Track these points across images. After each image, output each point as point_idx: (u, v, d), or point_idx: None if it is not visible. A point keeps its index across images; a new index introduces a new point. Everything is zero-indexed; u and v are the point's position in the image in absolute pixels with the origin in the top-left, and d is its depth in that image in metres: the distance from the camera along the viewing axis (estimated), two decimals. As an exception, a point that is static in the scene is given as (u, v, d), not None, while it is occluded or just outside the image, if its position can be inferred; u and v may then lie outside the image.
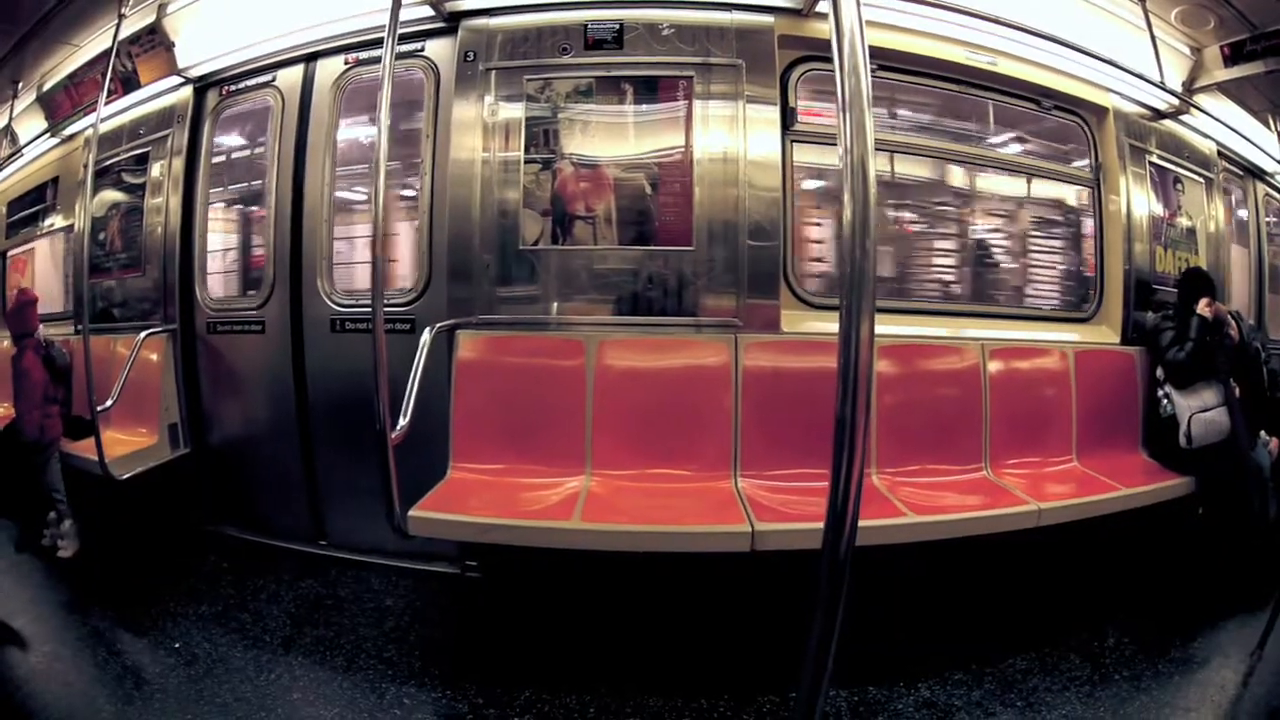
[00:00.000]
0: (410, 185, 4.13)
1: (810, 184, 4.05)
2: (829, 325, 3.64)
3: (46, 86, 5.99)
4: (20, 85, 6.15)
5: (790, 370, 3.63)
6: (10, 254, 6.69)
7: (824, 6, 3.64)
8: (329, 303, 4.25)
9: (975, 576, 3.39)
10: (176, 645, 3.48)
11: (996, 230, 4.48)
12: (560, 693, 2.96)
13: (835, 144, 3.70)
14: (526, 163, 3.75)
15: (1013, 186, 4.49)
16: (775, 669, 2.99)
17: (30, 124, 6.42)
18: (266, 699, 3.03)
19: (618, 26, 3.78)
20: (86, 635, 3.67)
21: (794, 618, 2.90)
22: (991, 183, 4.45)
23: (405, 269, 4.09)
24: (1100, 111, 4.53)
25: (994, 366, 3.90)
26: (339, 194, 4.30)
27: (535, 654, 3.25)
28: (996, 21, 4.04)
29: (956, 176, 4.38)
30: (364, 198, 4.36)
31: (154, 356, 4.71)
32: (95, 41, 5.33)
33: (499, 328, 3.71)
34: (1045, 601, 3.58)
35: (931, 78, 4.19)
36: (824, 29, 3.64)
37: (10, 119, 6.51)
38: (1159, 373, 4.09)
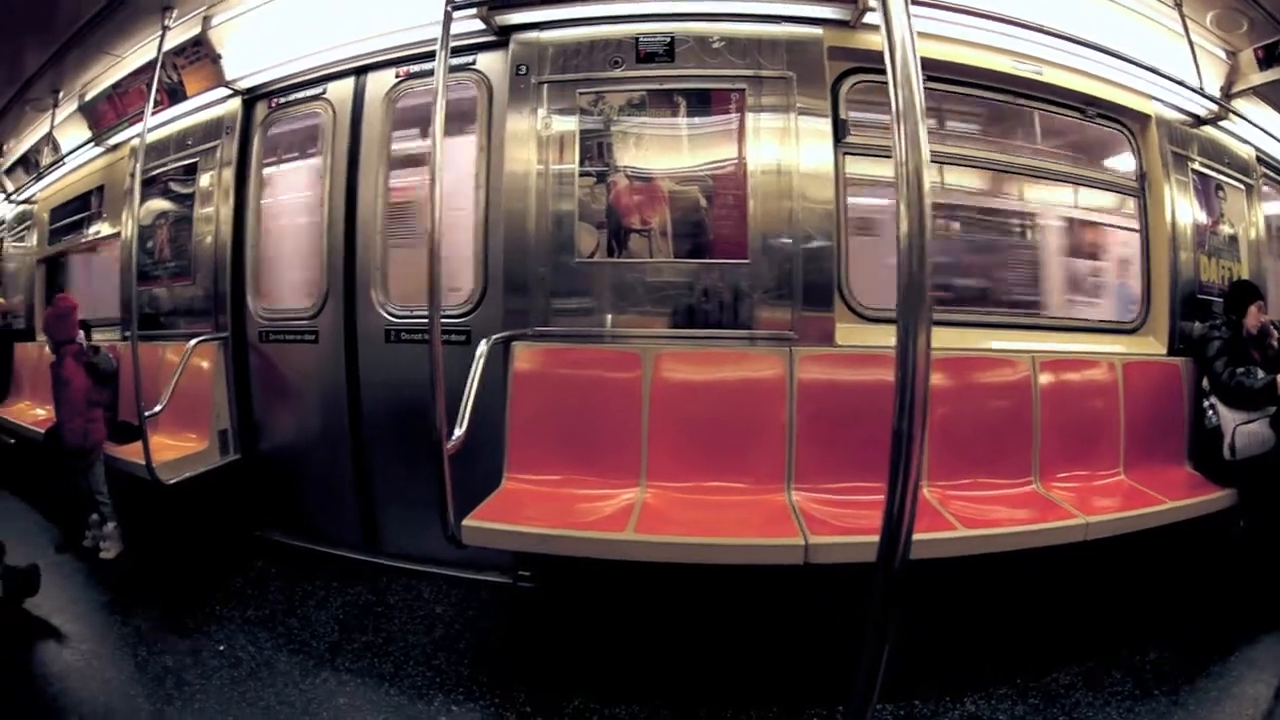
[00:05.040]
0: (466, 198, 4.14)
1: (863, 196, 4.03)
2: (883, 338, 3.65)
3: (89, 96, 6.06)
4: (61, 94, 6.23)
5: (845, 383, 3.63)
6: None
7: (872, 18, 3.65)
8: (383, 313, 4.29)
9: (1019, 588, 3.38)
10: (221, 648, 3.51)
11: (1043, 240, 4.46)
12: (609, 703, 2.96)
13: (887, 156, 3.74)
14: (581, 175, 3.77)
15: (1059, 196, 4.47)
16: (824, 681, 2.98)
17: (72, 133, 6.49)
18: (311, 703, 3.05)
19: (669, 40, 3.79)
20: (128, 635, 3.70)
21: (844, 630, 2.92)
22: (1037, 192, 4.43)
23: (461, 281, 4.11)
24: (1143, 119, 4.49)
25: (1044, 379, 3.87)
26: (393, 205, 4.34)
27: (585, 664, 3.26)
28: (1040, 30, 4.01)
29: (1003, 186, 4.37)
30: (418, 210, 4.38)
31: (205, 364, 4.77)
32: (138, 53, 5.37)
33: (554, 339, 3.73)
34: (1088, 614, 3.57)
35: (977, 87, 4.17)
36: (872, 40, 3.69)
37: (52, 127, 6.59)
38: (1204, 383, 4.07)
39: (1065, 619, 3.52)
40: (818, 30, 3.80)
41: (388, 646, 3.49)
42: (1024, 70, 4.14)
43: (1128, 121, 4.52)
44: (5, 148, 7.59)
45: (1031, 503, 3.58)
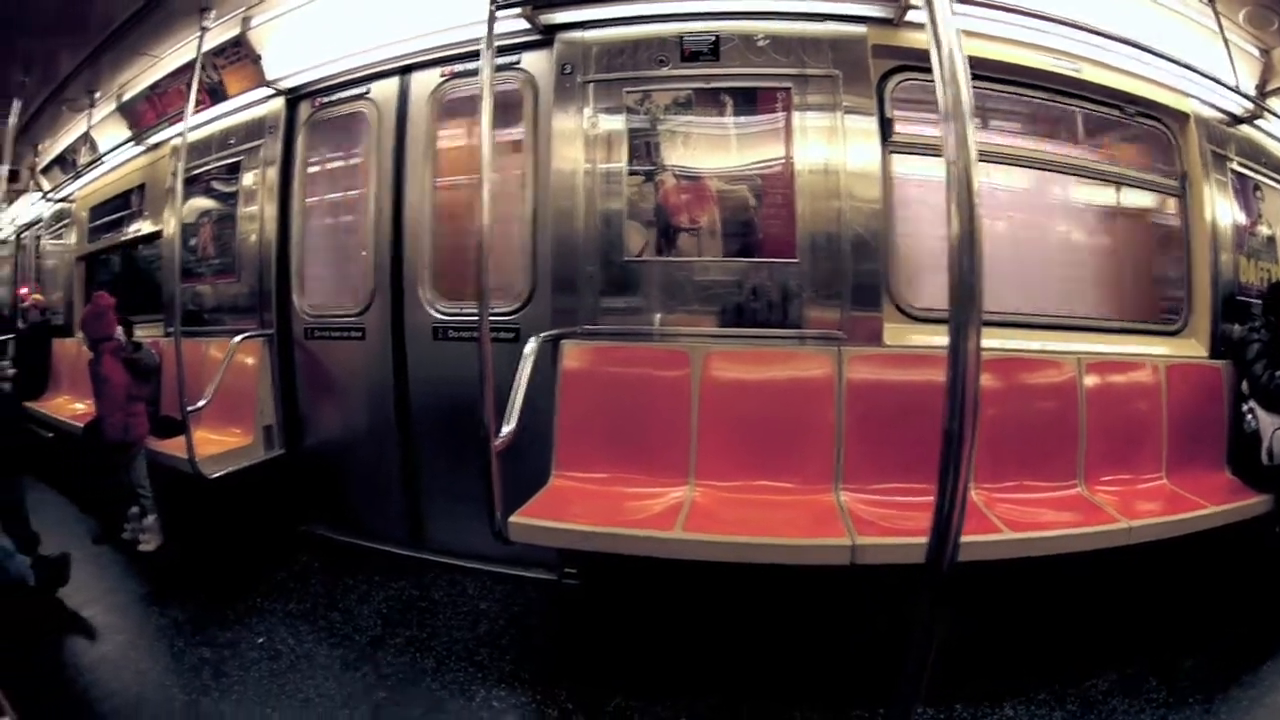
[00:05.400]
0: (513, 196, 4.16)
1: (909, 195, 4.01)
2: (931, 338, 3.64)
3: (126, 97, 6.12)
4: (98, 95, 6.29)
5: (893, 383, 3.62)
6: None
7: (914, 15, 3.65)
8: (431, 311, 4.32)
9: (1058, 592, 3.35)
10: (260, 640, 3.54)
11: (1084, 239, 4.42)
12: (651, 701, 2.96)
13: (934, 155, 3.72)
14: (630, 174, 3.79)
15: (1099, 195, 4.42)
16: (866, 682, 2.95)
17: (110, 132, 6.56)
18: (351, 697, 3.08)
19: (714, 38, 3.78)
20: (165, 627, 3.74)
21: (886, 631, 2.93)
22: (1078, 191, 4.39)
23: (509, 279, 4.13)
24: (1181, 118, 4.44)
25: (1090, 381, 3.84)
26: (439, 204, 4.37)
27: (628, 662, 3.26)
28: (1078, 26, 3.97)
29: (1044, 184, 4.34)
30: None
31: (250, 360, 4.82)
32: (176, 54, 5.44)
33: (603, 338, 3.75)
34: (1125, 619, 3.53)
35: (1016, 85, 4.13)
36: (916, 39, 3.69)
37: (89, 127, 6.67)
38: (1244, 387, 4.04)
39: (1104, 624, 3.49)
40: (861, 29, 3.78)
41: (430, 641, 3.51)
42: (1063, 67, 4.10)
43: (1167, 120, 4.47)
44: (41, 147, 7.69)
45: (1076, 506, 3.55)
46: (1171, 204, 4.53)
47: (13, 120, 5.18)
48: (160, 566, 4.49)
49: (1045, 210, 4.32)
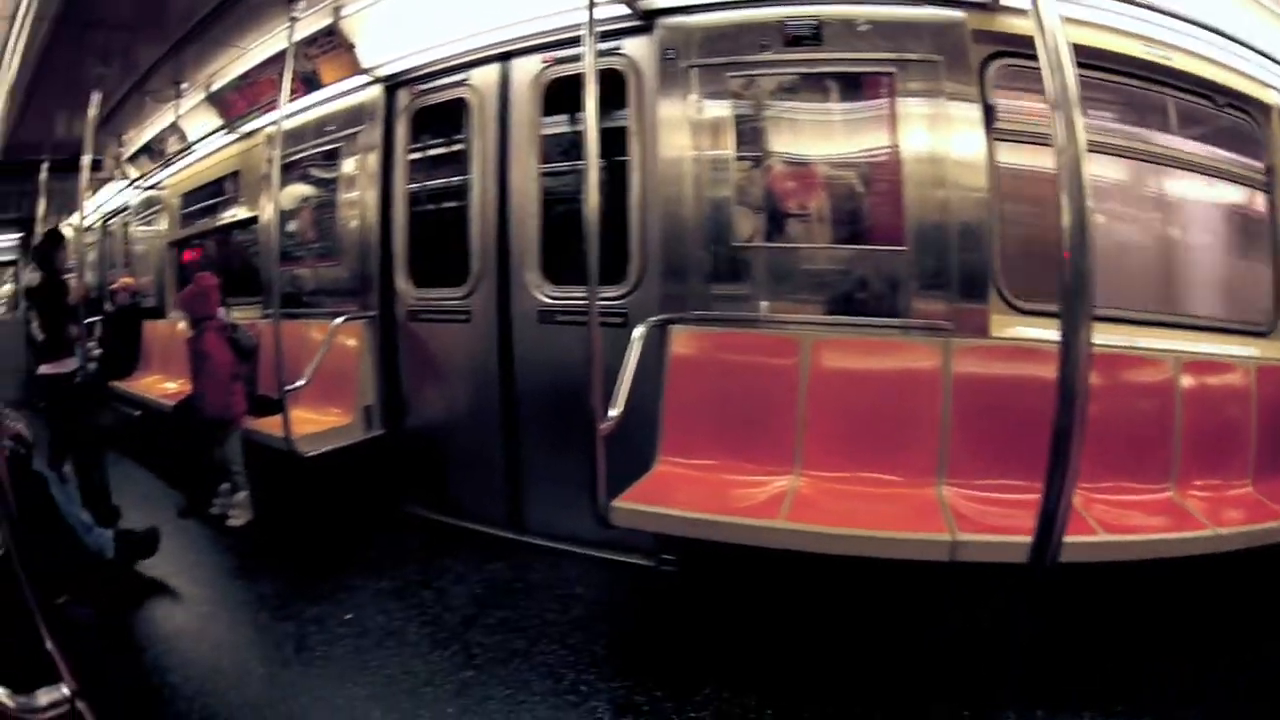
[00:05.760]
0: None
1: (1013, 184, 3.91)
2: (1036, 331, 3.55)
3: (215, 87, 6.27)
4: (184, 86, 6.46)
5: (999, 376, 3.54)
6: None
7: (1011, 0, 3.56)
8: (538, 295, 4.35)
9: (1140, 598, 3.23)
10: (348, 616, 3.58)
11: (1168, 233, 4.24)
12: (741, 691, 2.91)
13: (1036, 143, 3.62)
14: (737, 160, 3.76)
15: (1185, 187, 4.23)
16: (949, 680, 2.91)
17: (199, 121, 6.72)
18: (436, 674, 3.08)
19: (816, 23, 3.72)
20: (250, 600, 3.83)
21: (972, 629, 2.87)
22: (1162, 183, 4.21)
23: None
24: (1266, 110, 4.24)
25: (1185, 381, 3.69)
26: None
27: (720, 651, 3.22)
28: (1166, 13, 3.86)
29: (1129, 175, 4.16)
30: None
31: (351, 342, 4.92)
32: (264, 44, 5.54)
33: (711, 324, 3.74)
34: (1195, 627, 3.38)
35: (1105, 71, 3.96)
36: (1013, 23, 3.59)
37: (177, 117, 6.84)
38: None
39: (1176, 632, 3.34)
40: (960, 13, 3.69)
41: (522, 623, 3.51)
42: (1154, 54, 3.96)
43: (1253, 112, 4.27)
44: (125, 138, 7.92)
45: (1166, 510, 3.43)
46: (1260, 199, 4.34)
47: (92, 112, 5.30)
48: (249, 541, 4.60)
49: (1131, 201, 4.18)
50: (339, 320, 4.82)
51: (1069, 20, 3.69)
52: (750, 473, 3.50)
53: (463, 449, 4.74)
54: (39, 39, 4.79)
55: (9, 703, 1.32)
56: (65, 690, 1.33)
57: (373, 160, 4.93)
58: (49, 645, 1.35)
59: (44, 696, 1.33)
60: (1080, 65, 3.83)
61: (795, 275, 3.73)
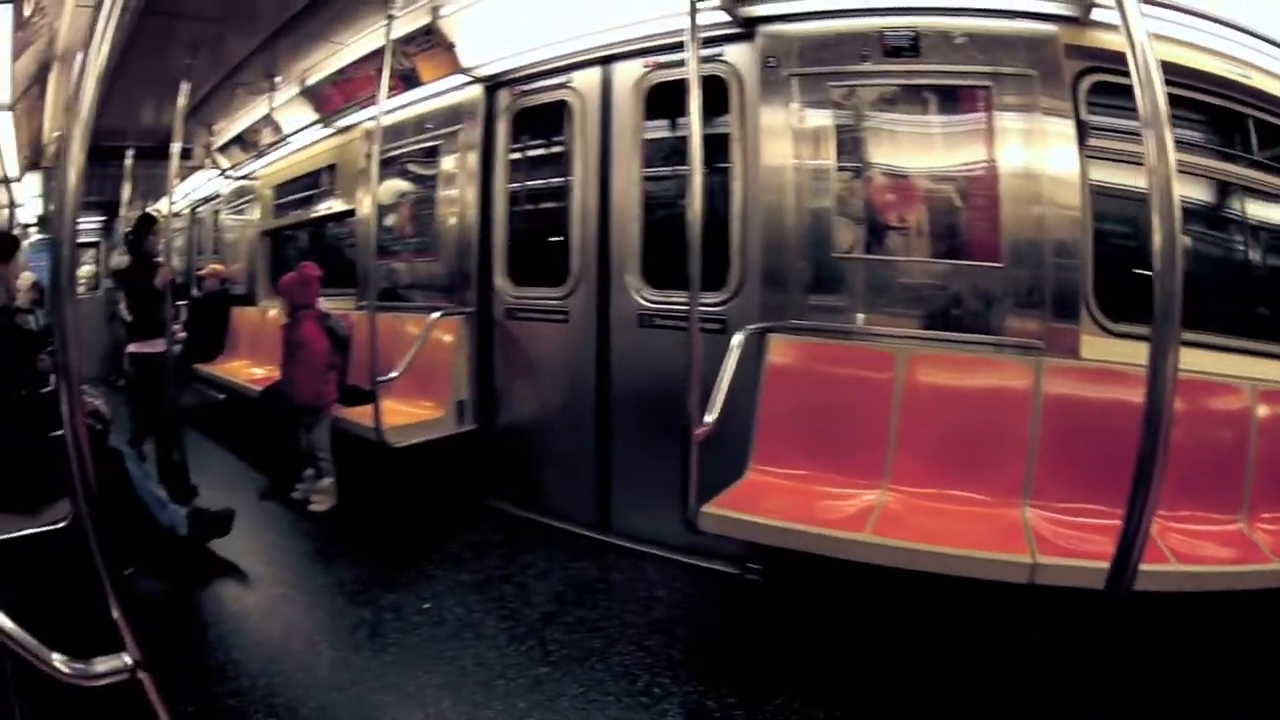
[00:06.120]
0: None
1: (1103, 202, 3.80)
2: (1123, 353, 3.45)
3: (310, 81, 6.43)
4: (278, 79, 6.61)
5: (1087, 399, 3.46)
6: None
7: (1099, 14, 3.47)
8: (638, 298, 4.39)
9: (1194, 628, 3.12)
10: (426, 605, 3.63)
11: (1240, 255, 4.07)
12: (813, 704, 2.89)
13: (1128, 163, 3.52)
14: (838, 170, 3.76)
15: (1265, 210, 4.05)
16: (1022, 702, 2.87)
17: (292, 114, 6.91)
18: (511, 668, 3.11)
19: (913, 34, 3.70)
20: (327, 585, 3.90)
21: (1038, 652, 2.80)
22: (1246, 205, 4.05)
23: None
24: None
25: (1261, 411, 3.53)
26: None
27: (797, 662, 3.19)
28: (1242, 30, 3.71)
29: (1213, 196, 4.03)
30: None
31: (447, 337, 5.01)
32: (361, 41, 5.64)
33: (808, 334, 3.74)
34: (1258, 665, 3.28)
35: (1186, 88, 3.80)
36: (1103, 39, 3.50)
37: (271, 109, 7.04)
38: None
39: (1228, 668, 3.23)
40: (1052, 27, 3.61)
41: (602, 623, 3.52)
42: (1234, 73, 3.83)
43: None
44: (216, 128, 8.17)
45: (1235, 542, 3.30)
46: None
47: (182, 101, 5.48)
48: (330, 528, 4.69)
49: (1206, 222, 4.04)
50: (436, 315, 4.91)
51: (1157, 37, 3.65)
52: (839, 485, 3.48)
53: (554, 447, 4.80)
54: (125, 27, 4.97)
55: (65, 669, 1.38)
56: (127, 659, 1.39)
57: (472, 159, 5.03)
58: (115, 614, 1.38)
59: (101, 664, 1.39)
60: (1168, 83, 3.79)
61: (892, 288, 3.71)
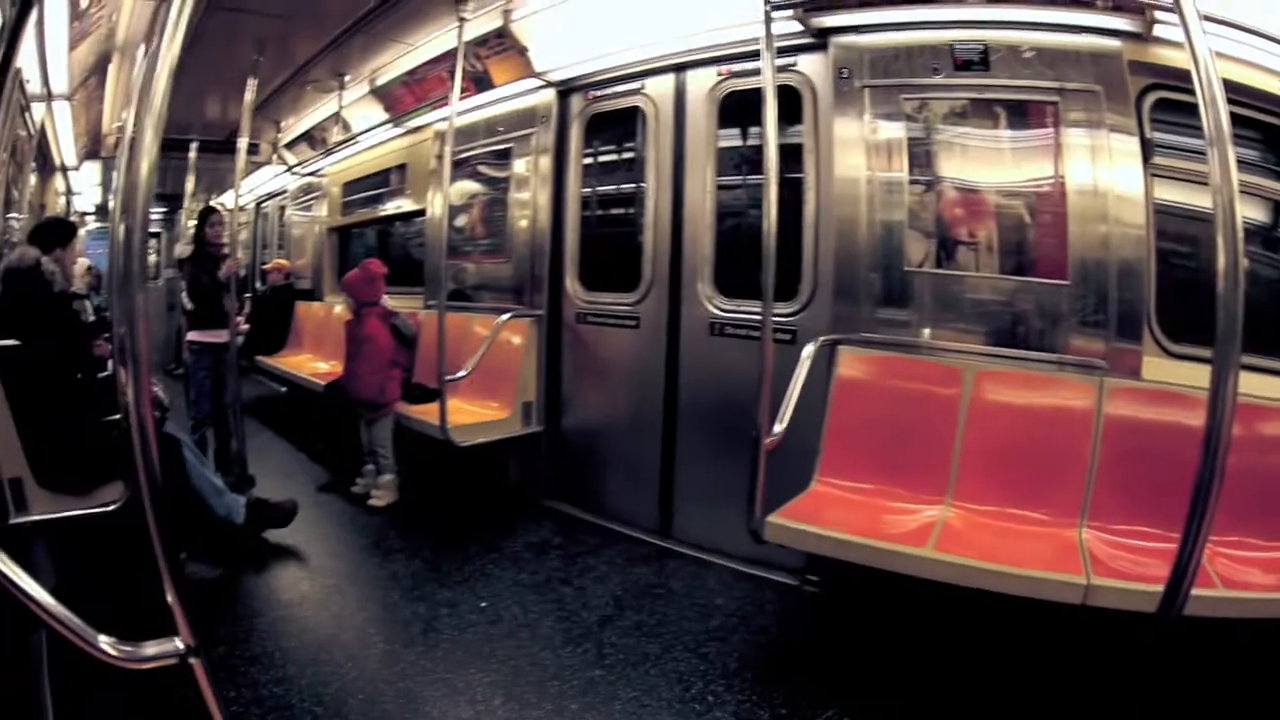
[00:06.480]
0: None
1: (1164, 221, 3.72)
2: (1184, 376, 3.40)
3: (380, 81, 6.53)
4: (347, 78, 6.73)
5: (1148, 421, 3.41)
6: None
7: (1160, 30, 3.42)
8: (709, 307, 4.42)
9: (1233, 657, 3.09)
10: (483, 604, 3.67)
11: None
12: (861, 716, 2.89)
13: (1192, 182, 3.46)
14: (910, 183, 3.75)
15: None
16: None
17: (361, 113, 7.04)
18: (565, 669, 3.14)
19: (983, 48, 3.68)
20: (382, 579, 3.96)
21: (1098, 671, 2.74)
22: None
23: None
24: None
25: None
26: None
27: (851, 675, 3.19)
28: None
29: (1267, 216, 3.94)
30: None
31: (516, 339, 5.08)
32: (432, 42, 5.71)
33: (879, 347, 3.74)
34: None
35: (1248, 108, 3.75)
36: (1166, 55, 3.45)
37: (340, 108, 7.18)
38: None
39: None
40: (1116, 43, 3.56)
41: (659, 628, 3.53)
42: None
43: None
44: (283, 124, 8.35)
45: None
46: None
47: (249, 97, 5.60)
48: (389, 523, 4.75)
49: (1261, 243, 3.94)
50: (505, 316, 4.99)
51: (1220, 55, 3.56)
52: (903, 499, 3.48)
53: (619, 451, 4.85)
54: (191, 21, 5.08)
55: (113, 651, 1.40)
56: (178, 644, 1.40)
57: (545, 162, 5.09)
58: (170, 599, 1.39)
59: (151, 648, 1.40)
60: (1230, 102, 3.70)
61: (961, 303, 3.69)
